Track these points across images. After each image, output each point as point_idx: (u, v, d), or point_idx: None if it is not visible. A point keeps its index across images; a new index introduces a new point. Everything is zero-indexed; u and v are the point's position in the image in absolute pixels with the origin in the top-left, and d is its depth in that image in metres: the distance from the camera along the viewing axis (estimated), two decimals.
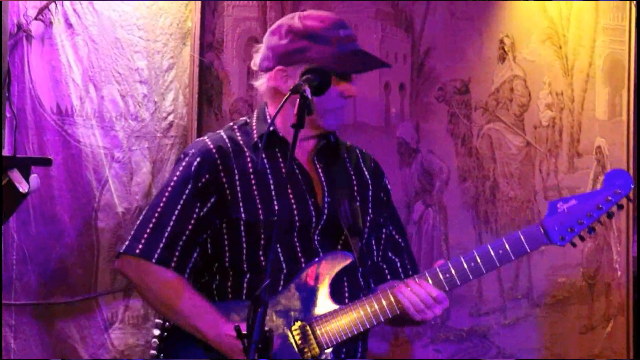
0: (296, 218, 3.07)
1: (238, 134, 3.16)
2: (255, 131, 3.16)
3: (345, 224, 3.12)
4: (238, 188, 3.07)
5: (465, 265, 3.05)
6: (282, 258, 3.07)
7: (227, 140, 3.14)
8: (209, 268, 3.12)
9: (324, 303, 3.06)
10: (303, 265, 3.07)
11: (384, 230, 3.27)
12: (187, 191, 3.08)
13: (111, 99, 4.92)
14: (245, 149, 3.12)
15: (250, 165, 3.10)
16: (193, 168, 3.09)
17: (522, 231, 3.07)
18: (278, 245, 3.06)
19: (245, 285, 3.08)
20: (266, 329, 2.57)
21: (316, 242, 3.10)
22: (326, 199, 3.12)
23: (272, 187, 3.09)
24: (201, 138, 3.19)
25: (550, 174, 4.75)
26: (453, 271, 3.06)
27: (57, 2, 4.79)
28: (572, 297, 4.72)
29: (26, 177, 4.38)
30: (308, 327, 3.04)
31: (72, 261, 4.88)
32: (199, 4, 5.00)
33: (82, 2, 4.83)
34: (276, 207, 3.06)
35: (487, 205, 4.78)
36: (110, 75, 4.90)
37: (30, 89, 4.80)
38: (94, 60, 4.88)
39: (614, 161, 4.68)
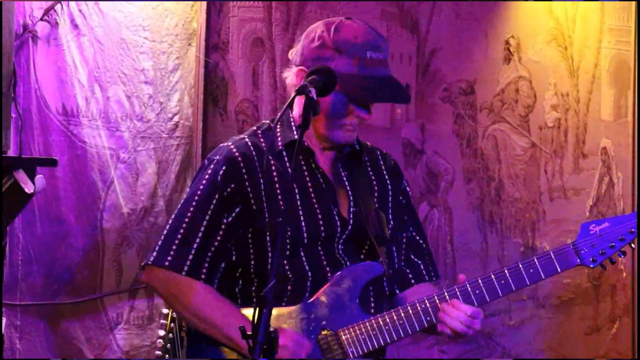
0: (322, 229, 3.06)
1: (262, 140, 3.12)
2: (279, 138, 3.11)
3: (373, 233, 3.10)
4: (263, 198, 3.05)
5: (496, 282, 3.05)
6: (307, 267, 3.05)
7: (251, 148, 3.09)
8: (232, 272, 3.10)
9: (351, 312, 3.05)
10: (328, 272, 3.06)
11: (404, 234, 3.26)
12: (214, 201, 3.04)
13: (117, 99, 4.92)
14: (270, 157, 3.09)
15: (275, 174, 3.08)
16: (219, 177, 3.05)
17: (554, 251, 3.06)
18: (302, 253, 3.05)
19: None
20: (271, 329, 2.56)
21: (340, 251, 3.09)
22: (352, 209, 3.11)
23: (297, 197, 3.07)
24: (225, 144, 3.12)
25: (555, 175, 4.75)
26: (483, 288, 3.05)
27: (62, 2, 4.79)
28: (578, 298, 4.72)
29: (32, 178, 4.39)
30: (334, 336, 3.03)
31: (77, 262, 4.88)
32: (204, 4, 5.01)
33: (87, 2, 4.84)
34: (302, 219, 3.05)
35: (492, 206, 4.78)
36: (115, 75, 4.91)
37: (36, 89, 4.80)
38: (99, 60, 4.88)
39: (619, 162, 4.67)
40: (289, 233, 3.01)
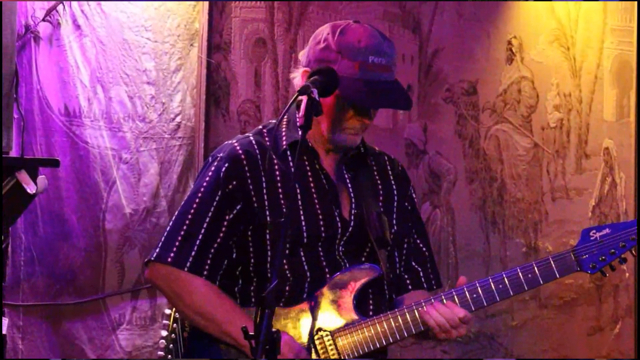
0: (322, 229, 3.06)
1: (267, 139, 3.12)
2: (284, 137, 3.12)
3: (374, 235, 3.10)
4: (265, 196, 3.05)
5: (493, 287, 3.05)
6: (306, 267, 3.05)
7: (255, 146, 3.09)
8: (232, 271, 3.10)
9: (347, 314, 3.05)
10: (327, 273, 3.06)
11: (407, 240, 3.25)
12: (217, 198, 3.05)
13: (119, 100, 4.93)
14: (274, 156, 3.10)
15: (278, 173, 3.08)
16: (222, 174, 3.06)
17: (553, 256, 3.06)
18: (302, 253, 3.05)
19: None
20: (273, 330, 2.56)
21: (341, 253, 3.09)
22: (353, 211, 3.11)
23: (299, 197, 3.07)
24: (230, 141, 3.13)
25: (557, 175, 4.74)
26: (480, 292, 3.05)
27: (65, 3, 4.80)
28: (580, 299, 4.71)
29: (34, 178, 4.39)
30: (330, 337, 3.03)
31: (79, 262, 4.89)
32: (206, 5, 5.01)
33: (90, 3, 4.84)
34: (302, 218, 3.05)
35: (494, 207, 4.78)
36: (118, 76, 4.91)
37: (38, 90, 4.81)
38: (101, 61, 4.89)
39: (621, 162, 4.67)
40: (289, 232, 3.01)
